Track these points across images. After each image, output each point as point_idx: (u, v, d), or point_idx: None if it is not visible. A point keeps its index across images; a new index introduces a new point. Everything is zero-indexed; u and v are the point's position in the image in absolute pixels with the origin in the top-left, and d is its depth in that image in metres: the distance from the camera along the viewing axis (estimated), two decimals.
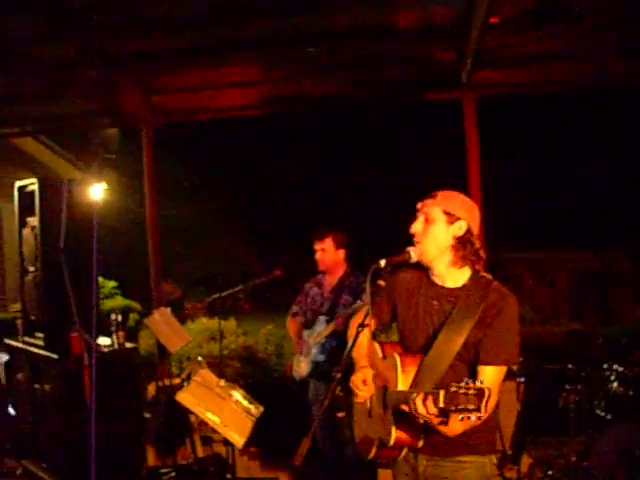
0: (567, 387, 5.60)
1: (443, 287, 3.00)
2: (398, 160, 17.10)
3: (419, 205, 3.01)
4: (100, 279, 9.94)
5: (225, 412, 3.86)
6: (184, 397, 3.72)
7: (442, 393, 2.42)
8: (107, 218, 9.14)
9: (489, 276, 2.99)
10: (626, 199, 16.33)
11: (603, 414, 5.42)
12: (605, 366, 5.54)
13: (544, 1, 5.14)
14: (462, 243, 2.94)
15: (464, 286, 2.96)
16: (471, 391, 2.33)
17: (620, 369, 5.47)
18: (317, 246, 5.32)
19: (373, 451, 3.04)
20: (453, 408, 2.37)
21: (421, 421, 2.67)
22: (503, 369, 2.86)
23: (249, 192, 18.52)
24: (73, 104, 7.13)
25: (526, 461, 5.80)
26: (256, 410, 4.09)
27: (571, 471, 5.35)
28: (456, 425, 2.62)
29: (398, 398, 2.80)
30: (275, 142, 17.41)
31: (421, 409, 2.56)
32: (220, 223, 18.35)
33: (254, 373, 7.96)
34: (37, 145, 10.22)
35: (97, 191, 7.65)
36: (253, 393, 5.66)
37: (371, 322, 3.01)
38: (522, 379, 5.89)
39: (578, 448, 5.39)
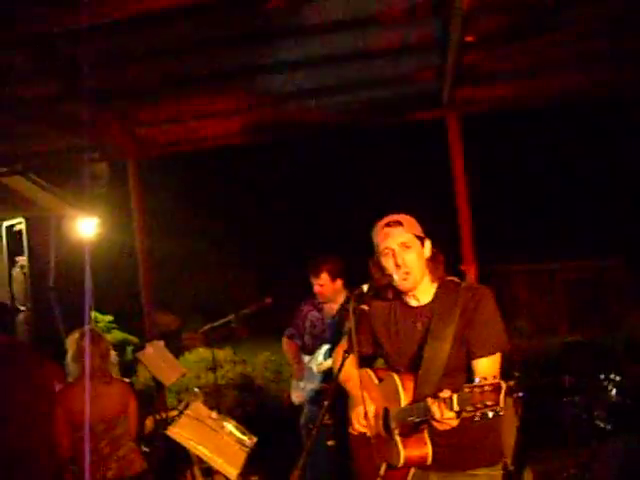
0: (565, 399, 5.58)
1: (419, 306, 3.06)
2: (384, 181, 17.19)
3: (384, 235, 3.01)
4: (96, 314, 9.92)
5: (218, 444, 3.83)
6: (175, 431, 3.69)
7: (455, 396, 2.47)
8: (102, 251, 9.13)
9: (456, 279, 3.09)
10: (621, 207, 16.37)
11: (603, 425, 5.39)
12: (602, 376, 5.51)
13: (519, 16, 5.17)
14: (433, 259, 3.06)
15: (436, 296, 3.03)
16: (487, 387, 2.37)
17: (617, 378, 5.44)
18: (314, 281, 5.30)
19: (380, 478, 3.04)
20: (470, 408, 2.40)
21: (439, 427, 2.66)
22: (497, 357, 2.92)
23: (242, 220, 18.59)
24: (58, 140, 7.13)
25: (528, 476, 5.74)
26: (249, 441, 4.06)
27: None
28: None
29: (412, 412, 2.80)
30: (265, 169, 17.50)
31: (438, 415, 2.58)
32: (216, 252, 18.37)
33: (252, 401, 7.92)
34: (25, 182, 10.19)
35: (88, 226, 7.65)
36: (252, 421, 5.63)
37: (354, 353, 3.03)
38: (521, 394, 5.87)
39: (579, 461, 5.35)
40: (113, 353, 4.60)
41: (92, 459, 4.14)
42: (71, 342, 4.51)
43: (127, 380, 5.27)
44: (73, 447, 4.32)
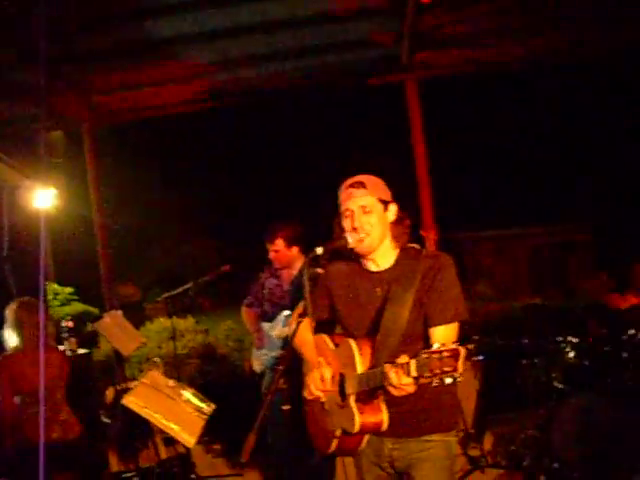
0: (524, 362, 5.64)
1: (379, 271, 2.99)
2: (342, 146, 17.15)
3: (346, 196, 2.93)
4: (55, 285, 9.77)
5: (174, 412, 3.80)
6: (130, 400, 3.66)
7: (413, 362, 2.42)
8: (62, 224, 8.97)
9: (417, 246, 3.02)
10: (582, 173, 16.51)
11: (561, 386, 5.44)
12: (560, 338, 5.56)
13: None
14: (398, 224, 2.97)
15: (397, 262, 2.98)
16: (445, 353, 2.32)
17: (575, 340, 5.50)
18: (269, 247, 5.25)
19: (334, 444, 2.99)
20: (428, 374, 2.35)
21: (396, 393, 2.58)
22: (454, 326, 2.87)
23: (207, 189, 18.47)
24: (11, 109, 6.96)
25: (489, 439, 5.82)
26: (208, 408, 4.03)
27: (533, 445, 5.38)
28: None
29: (369, 378, 2.76)
30: (220, 135, 17.36)
31: (395, 381, 2.52)
32: (181, 223, 18.22)
33: (215, 370, 7.88)
34: None
35: (44, 197, 7.48)
36: (214, 390, 5.60)
37: (310, 319, 2.97)
38: (480, 357, 5.92)
39: (538, 422, 5.42)
40: (50, 322, 4.66)
41: (35, 423, 4.21)
42: (9, 312, 4.61)
43: (61, 348, 5.37)
44: (17, 414, 4.39)
